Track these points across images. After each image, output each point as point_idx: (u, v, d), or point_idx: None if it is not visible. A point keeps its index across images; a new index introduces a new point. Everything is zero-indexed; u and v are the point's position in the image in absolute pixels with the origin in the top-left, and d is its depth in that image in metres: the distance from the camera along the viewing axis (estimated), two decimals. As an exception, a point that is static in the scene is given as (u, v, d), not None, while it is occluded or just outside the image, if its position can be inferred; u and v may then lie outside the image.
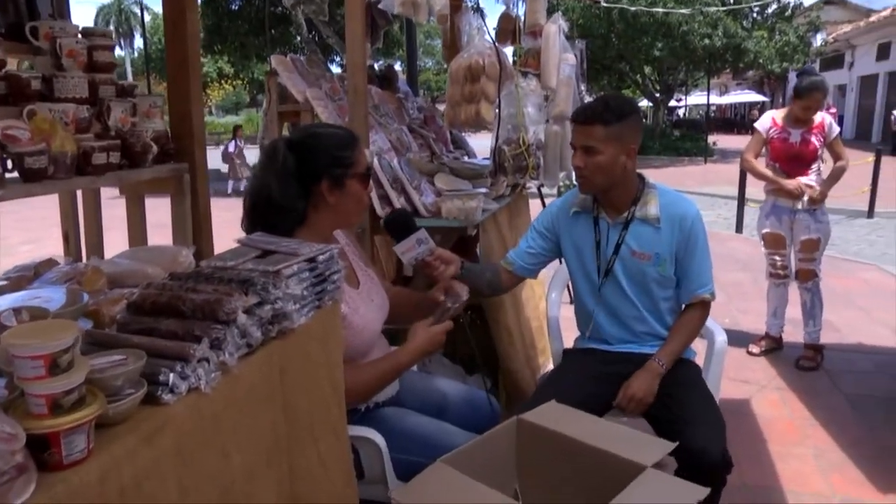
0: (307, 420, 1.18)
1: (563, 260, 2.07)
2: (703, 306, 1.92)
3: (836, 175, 3.36)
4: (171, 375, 0.85)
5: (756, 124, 3.48)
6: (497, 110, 2.23)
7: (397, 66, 5.76)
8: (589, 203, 1.95)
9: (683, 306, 1.95)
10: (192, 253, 1.30)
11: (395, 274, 3.12)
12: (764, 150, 3.48)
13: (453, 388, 1.89)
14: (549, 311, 2.35)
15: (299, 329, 1.15)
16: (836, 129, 3.34)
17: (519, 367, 2.58)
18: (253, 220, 1.52)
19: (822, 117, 3.34)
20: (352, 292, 1.60)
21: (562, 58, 2.32)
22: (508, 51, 2.83)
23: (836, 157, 3.38)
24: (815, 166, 3.37)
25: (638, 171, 1.93)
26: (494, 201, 2.42)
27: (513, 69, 2.23)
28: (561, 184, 5.75)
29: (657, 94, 22.08)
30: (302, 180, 1.50)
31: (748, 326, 4.11)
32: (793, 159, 3.34)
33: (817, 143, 3.30)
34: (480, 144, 3.12)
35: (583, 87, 3.06)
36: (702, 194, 10.97)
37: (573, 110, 1.89)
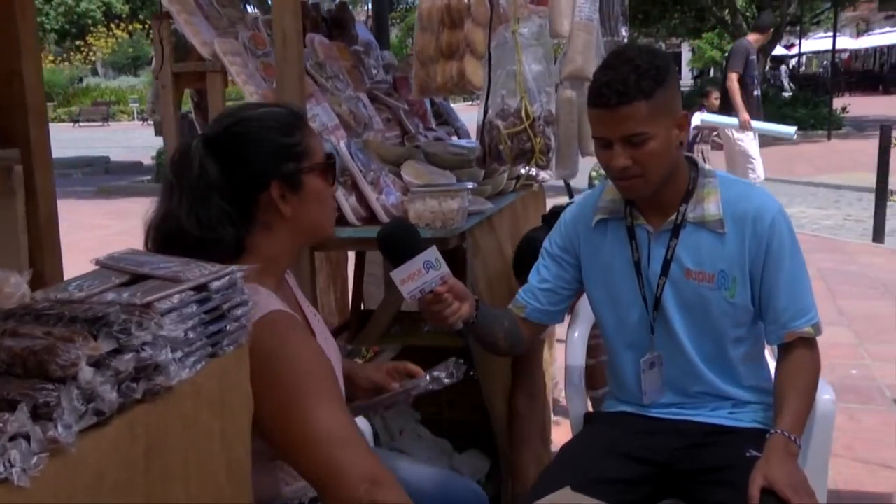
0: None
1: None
2: (808, 346, 1.91)
3: None
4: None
5: None
6: (487, 70, 2.28)
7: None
8: (619, 206, 1.98)
9: (776, 351, 1.98)
10: (25, 281, 1.32)
11: (352, 312, 3.18)
12: None
13: (424, 476, 1.92)
14: (567, 358, 2.39)
15: (180, 388, 1.16)
16: None
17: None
18: None
19: None
20: None
21: (579, -11, 2.37)
22: None
23: None
24: None
25: (687, 154, 1.98)
26: (488, 200, 2.47)
27: (509, 7, 2.28)
28: (594, 172, 5.84)
29: (756, 39, 22.18)
30: (235, 194, 1.50)
31: (890, 379, 4.10)
32: None
33: None
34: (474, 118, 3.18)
35: (623, 32, 3.12)
36: (823, 185, 11.01)
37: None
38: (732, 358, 1.96)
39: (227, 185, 1.49)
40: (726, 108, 7.41)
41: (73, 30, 44.27)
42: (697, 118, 7.45)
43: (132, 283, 1.28)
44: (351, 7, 3.50)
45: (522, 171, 2.83)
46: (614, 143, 1.81)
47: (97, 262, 1.35)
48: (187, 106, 3.20)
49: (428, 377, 1.82)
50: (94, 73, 44.44)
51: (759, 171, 7.34)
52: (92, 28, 39.94)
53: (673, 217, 1.92)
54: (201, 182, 1.48)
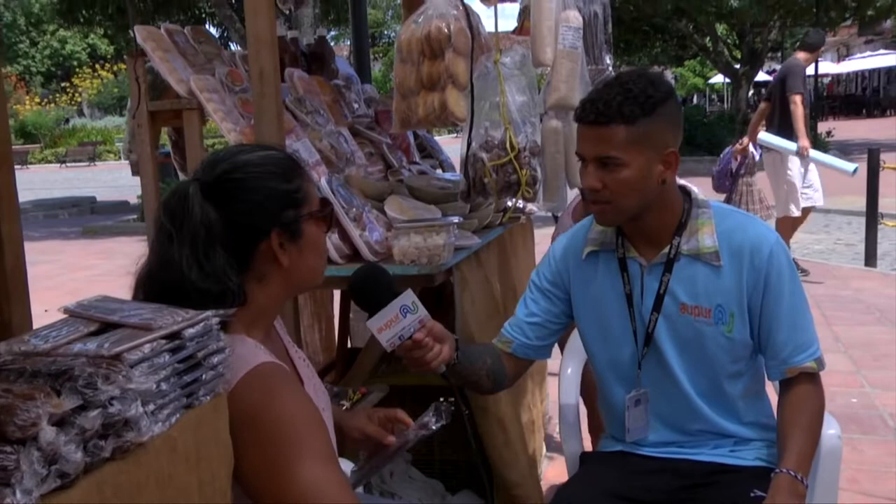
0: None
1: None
2: (811, 381, 1.87)
3: None
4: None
5: None
6: (469, 101, 2.24)
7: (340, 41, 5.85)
8: (610, 237, 1.94)
9: (778, 387, 1.93)
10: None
11: (338, 352, 3.12)
12: None
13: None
14: (560, 396, 2.34)
15: (153, 443, 1.12)
16: None
17: (519, 478, 2.56)
18: None
19: None
20: None
21: (560, 17, 2.34)
22: (511, 7, 2.85)
23: None
24: None
25: (681, 182, 1.95)
26: (475, 234, 2.43)
27: (489, 38, 2.26)
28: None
29: (737, 66, 22.45)
30: (236, 243, 1.43)
31: (891, 408, 4.07)
32: None
33: None
34: (458, 151, 3.15)
35: (608, 61, 3.10)
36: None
37: (581, 97, 1.92)
38: (730, 393, 1.91)
39: (228, 234, 1.42)
40: (785, 132, 7.05)
41: (59, 72, 44.55)
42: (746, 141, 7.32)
43: (101, 332, 1.22)
44: (333, 43, 3.48)
45: (509, 203, 2.79)
46: (588, 162, 1.79)
47: (66, 311, 1.30)
48: (166, 144, 3.17)
49: (417, 426, 1.76)
50: (80, 113, 44.54)
51: (816, 198, 7.15)
52: (77, 69, 40.14)
53: (666, 250, 1.87)
54: (202, 230, 1.41)
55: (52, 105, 42.05)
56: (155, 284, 1.43)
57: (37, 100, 41.56)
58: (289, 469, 1.35)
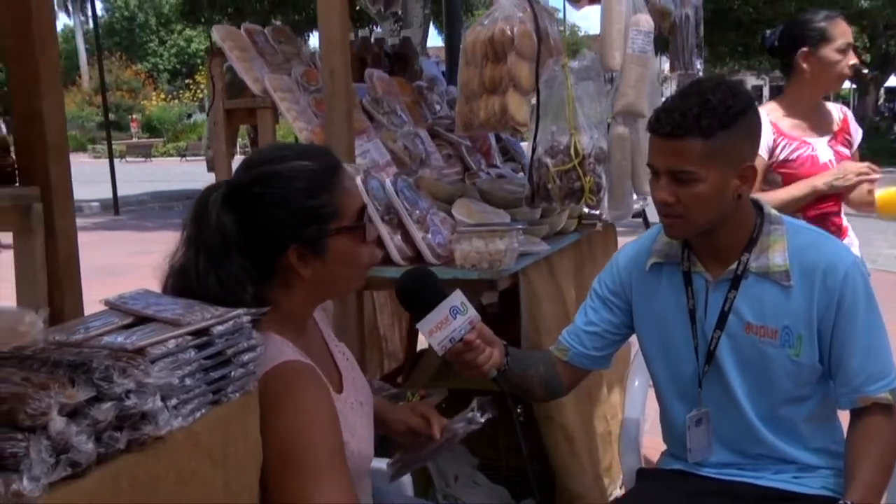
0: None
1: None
2: (886, 412, 1.76)
3: None
4: None
5: None
6: (535, 105, 2.20)
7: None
8: (676, 250, 1.88)
9: (849, 416, 1.82)
10: (42, 319, 1.32)
11: (406, 352, 3.12)
12: None
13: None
14: (626, 409, 2.28)
15: (173, 437, 1.13)
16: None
17: (583, 489, 2.53)
18: None
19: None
20: (339, 399, 1.54)
21: (630, 21, 2.27)
22: (593, 11, 2.79)
23: None
24: None
25: (752, 196, 1.86)
26: (544, 241, 2.39)
27: (559, 41, 2.21)
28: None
29: (865, 70, 21.50)
30: (253, 252, 1.44)
31: None
32: None
33: None
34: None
35: (698, 66, 3.01)
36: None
37: (651, 104, 1.85)
38: (794, 418, 1.82)
39: (245, 243, 1.43)
40: None
41: (184, 69, 46.42)
42: None
43: (135, 325, 1.25)
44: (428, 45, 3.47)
45: (585, 209, 2.73)
46: (660, 175, 1.72)
47: (106, 303, 1.34)
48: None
49: (463, 422, 1.73)
50: (202, 109, 46.35)
51: None
52: (200, 67, 41.69)
53: (734, 266, 1.80)
54: (218, 237, 1.42)
55: (177, 101, 43.86)
56: (177, 284, 1.45)
57: (163, 96, 43.43)
58: (295, 475, 1.36)
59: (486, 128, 2.29)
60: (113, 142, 18.29)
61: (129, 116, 37.92)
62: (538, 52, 2.13)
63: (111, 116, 22.61)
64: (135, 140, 35.65)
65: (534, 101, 2.25)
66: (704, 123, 1.64)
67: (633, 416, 2.27)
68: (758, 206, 1.85)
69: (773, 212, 1.85)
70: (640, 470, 2.10)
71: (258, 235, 1.43)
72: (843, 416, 1.88)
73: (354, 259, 1.50)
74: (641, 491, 1.98)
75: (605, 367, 2.07)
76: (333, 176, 1.48)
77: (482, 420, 1.72)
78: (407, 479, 1.93)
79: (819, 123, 2.84)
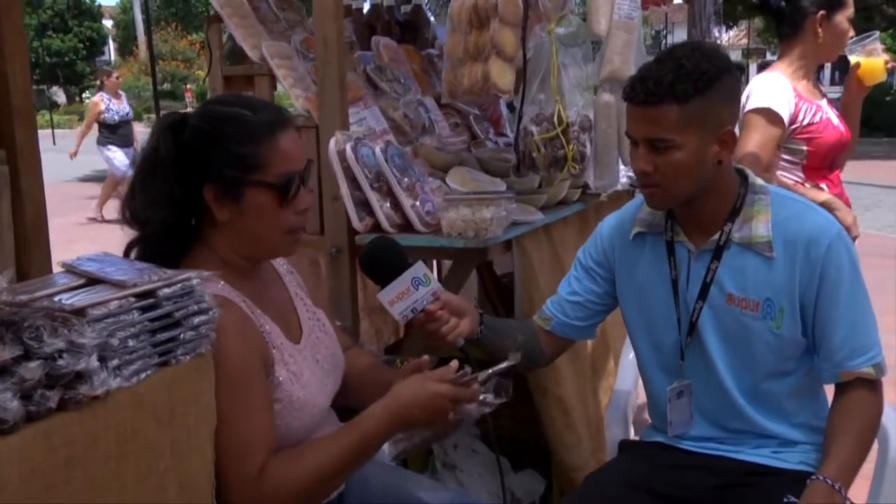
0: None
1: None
2: (868, 387, 1.73)
3: None
4: None
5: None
6: (523, 71, 2.17)
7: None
8: (659, 219, 1.85)
9: (835, 390, 1.78)
10: (7, 280, 1.35)
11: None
12: None
13: (444, 500, 1.84)
14: (617, 381, 2.26)
15: (112, 397, 1.15)
16: None
17: (581, 462, 2.51)
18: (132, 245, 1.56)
19: None
20: (291, 348, 1.60)
21: (618, -15, 2.21)
22: None
23: None
24: None
25: (738, 166, 1.81)
26: (541, 211, 2.35)
27: (548, 6, 2.16)
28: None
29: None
30: (179, 180, 1.52)
31: None
32: None
33: None
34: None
35: (716, 34, 2.94)
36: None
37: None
38: (777, 393, 1.78)
39: (174, 169, 1.52)
40: None
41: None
42: None
43: (84, 286, 1.27)
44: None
45: (556, 178, 2.68)
46: (638, 143, 1.70)
47: (62, 264, 1.36)
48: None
49: (475, 403, 1.70)
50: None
51: None
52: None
53: (716, 236, 1.76)
54: (153, 158, 1.53)
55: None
56: (122, 207, 1.56)
57: (217, 66, 43.90)
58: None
59: (469, 95, 2.28)
60: (166, 112, 18.47)
61: (184, 86, 38.50)
62: (525, 17, 2.10)
63: (166, 86, 22.91)
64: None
65: (515, 69, 2.22)
66: (679, 89, 1.61)
67: (623, 389, 2.25)
68: (742, 175, 1.80)
69: (759, 181, 1.80)
70: (622, 441, 2.09)
71: (184, 165, 1.52)
72: (830, 391, 1.84)
73: (270, 218, 1.54)
74: (619, 462, 1.96)
75: (591, 336, 2.06)
76: (269, 132, 1.53)
77: (495, 403, 1.69)
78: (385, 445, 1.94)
79: (817, 86, 2.86)
